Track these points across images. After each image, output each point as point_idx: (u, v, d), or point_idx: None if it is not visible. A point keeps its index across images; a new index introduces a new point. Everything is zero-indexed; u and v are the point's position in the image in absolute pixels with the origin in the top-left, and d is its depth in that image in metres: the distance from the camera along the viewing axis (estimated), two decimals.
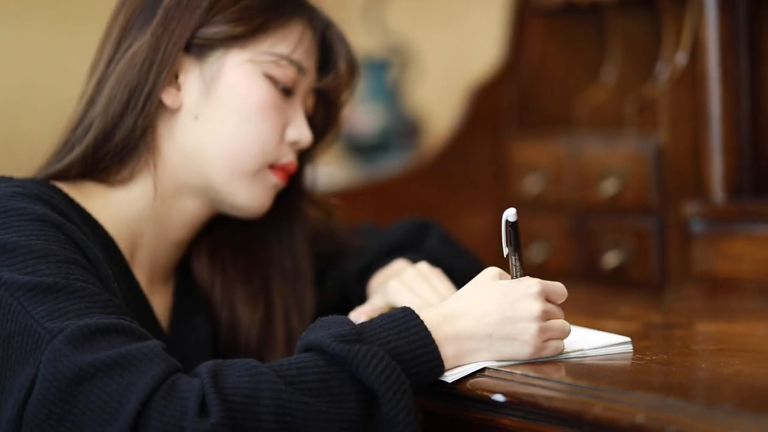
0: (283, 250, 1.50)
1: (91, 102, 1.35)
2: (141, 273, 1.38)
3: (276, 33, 1.38)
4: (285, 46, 1.38)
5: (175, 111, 1.36)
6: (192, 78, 1.36)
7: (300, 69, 1.40)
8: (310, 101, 1.45)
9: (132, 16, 1.36)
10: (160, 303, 1.43)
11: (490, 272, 1.26)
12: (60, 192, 1.31)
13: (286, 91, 1.39)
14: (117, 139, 1.34)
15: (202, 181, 1.38)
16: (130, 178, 1.36)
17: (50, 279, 1.17)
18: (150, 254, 1.39)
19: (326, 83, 1.44)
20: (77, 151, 1.34)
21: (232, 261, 1.48)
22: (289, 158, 1.41)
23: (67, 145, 1.36)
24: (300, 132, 1.41)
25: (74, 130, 1.36)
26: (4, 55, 2.92)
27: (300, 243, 1.50)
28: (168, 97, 1.35)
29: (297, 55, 1.39)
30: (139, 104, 1.33)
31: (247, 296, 1.48)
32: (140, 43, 1.34)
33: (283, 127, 1.40)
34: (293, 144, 1.41)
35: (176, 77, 1.36)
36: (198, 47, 1.36)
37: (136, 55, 1.33)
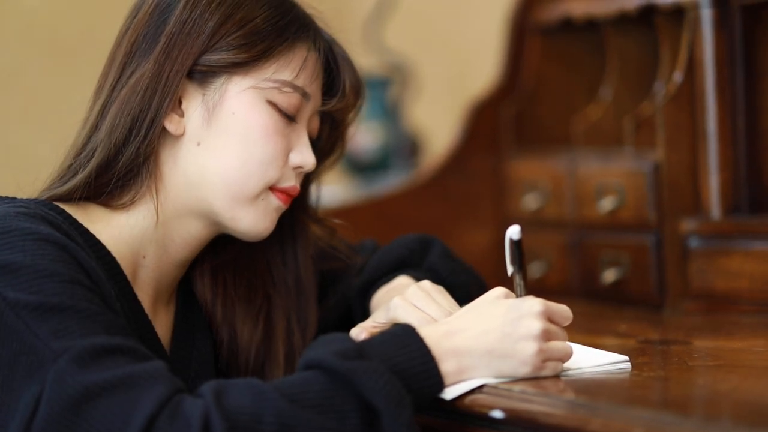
0: (286, 269, 1.50)
1: (95, 128, 1.36)
2: (143, 293, 1.39)
3: (279, 59, 1.37)
4: (288, 72, 1.38)
5: (178, 137, 1.36)
6: (195, 104, 1.36)
7: (304, 94, 1.39)
8: (315, 123, 1.45)
9: (135, 42, 1.36)
10: (162, 322, 1.44)
11: (497, 291, 1.27)
12: (63, 213, 1.31)
13: (290, 117, 1.39)
14: (120, 165, 1.34)
15: (204, 206, 1.38)
16: (133, 202, 1.36)
17: (55, 299, 1.18)
18: (152, 274, 1.40)
19: (331, 106, 1.44)
20: (80, 176, 1.34)
21: (234, 280, 1.49)
22: (291, 182, 1.40)
23: (70, 170, 1.36)
24: (303, 157, 1.40)
25: (77, 155, 1.36)
26: (7, 77, 2.93)
27: (304, 261, 1.51)
28: (171, 124, 1.36)
29: (301, 81, 1.38)
30: (142, 132, 1.33)
31: (248, 314, 1.48)
32: (143, 69, 1.34)
33: (287, 151, 1.39)
34: (297, 168, 1.41)
35: (179, 103, 1.36)
36: (201, 74, 1.36)
37: (139, 82, 1.34)
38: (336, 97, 1.45)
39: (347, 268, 1.59)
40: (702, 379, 1.29)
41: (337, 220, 1.59)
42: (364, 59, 3.00)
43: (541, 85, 2.18)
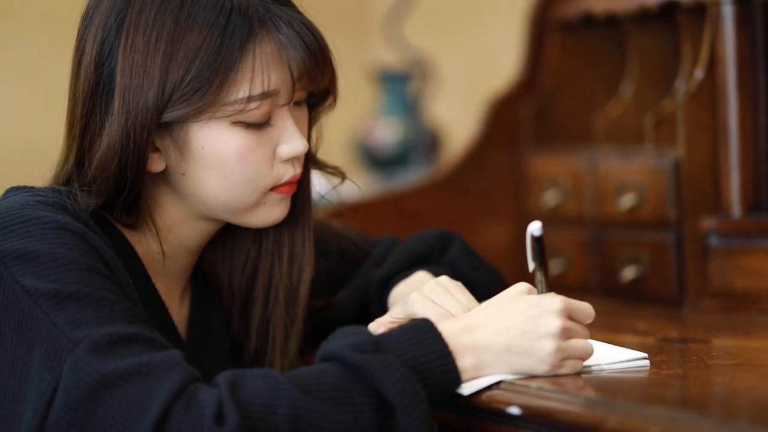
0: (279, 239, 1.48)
1: (81, 165, 1.33)
2: (159, 282, 1.39)
3: (234, 80, 1.30)
4: (244, 89, 1.30)
5: (162, 171, 1.34)
6: (167, 145, 1.33)
7: (267, 94, 1.31)
8: (298, 96, 1.37)
9: (90, 91, 1.31)
10: (178, 311, 1.44)
11: (519, 287, 1.26)
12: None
13: (262, 124, 1.33)
14: (118, 204, 1.32)
15: (210, 214, 1.38)
16: (137, 224, 1.36)
17: (73, 287, 1.18)
18: (167, 264, 1.40)
19: (303, 84, 1.35)
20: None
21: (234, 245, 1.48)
22: (289, 175, 1.37)
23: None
24: (292, 147, 1.35)
25: (67, 182, 1.34)
26: (29, 69, 2.94)
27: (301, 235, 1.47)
28: (152, 163, 1.33)
29: (259, 86, 1.30)
30: (129, 181, 1.30)
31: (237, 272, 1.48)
32: (110, 132, 1.29)
33: (272, 154, 1.35)
34: (289, 159, 1.37)
35: (153, 143, 1.32)
36: (164, 124, 1.31)
37: (110, 145, 1.29)
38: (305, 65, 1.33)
39: (365, 262, 1.59)
40: (720, 377, 1.28)
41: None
42: (384, 54, 3.02)
43: (561, 82, 2.17)
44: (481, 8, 3.08)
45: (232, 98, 1.30)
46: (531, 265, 1.25)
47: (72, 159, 1.33)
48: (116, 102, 1.29)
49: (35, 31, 2.96)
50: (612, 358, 1.28)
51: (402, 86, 2.96)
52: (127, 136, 1.29)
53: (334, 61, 1.37)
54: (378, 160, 2.96)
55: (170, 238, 1.39)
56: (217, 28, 1.29)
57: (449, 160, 2.33)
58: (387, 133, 2.95)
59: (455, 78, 3.07)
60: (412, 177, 2.56)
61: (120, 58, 1.29)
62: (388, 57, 3.01)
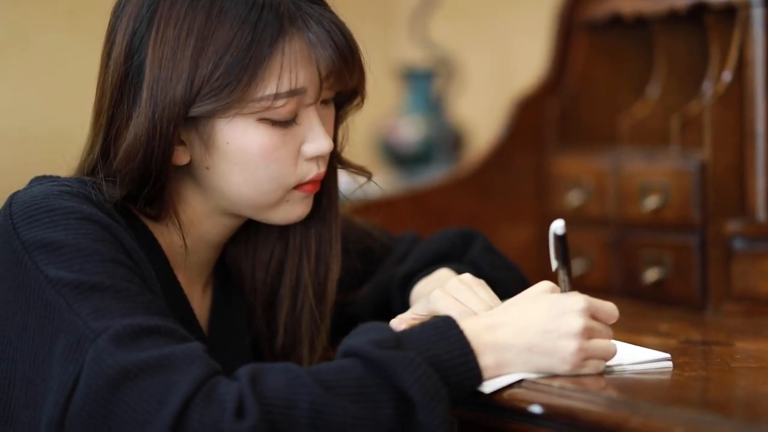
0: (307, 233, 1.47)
1: (106, 155, 1.33)
2: (181, 274, 1.40)
3: (263, 77, 1.29)
4: (271, 86, 1.30)
5: (187, 164, 1.34)
6: (192, 138, 1.33)
7: (295, 92, 1.31)
8: (325, 95, 1.36)
9: (119, 81, 1.31)
10: (200, 304, 1.44)
11: (543, 286, 1.25)
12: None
13: (288, 122, 1.33)
14: (142, 196, 1.32)
15: (232, 210, 1.38)
16: (161, 216, 1.36)
17: (96, 278, 1.18)
18: (190, 257, 1.41)
19: (330, 83, 1.34)
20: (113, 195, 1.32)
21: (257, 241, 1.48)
22: (313, 173, 1.36)
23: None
24: (317, 146, 1.35)
25: (92, 172, 1.34)
26: (55, 59, 2.95)
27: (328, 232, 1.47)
28: (177, 156, 1.32)
29: (285, 86, 1.30)
30: (153, 174, 1.30)
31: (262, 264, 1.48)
32: (137, 124, 1.29)
33: (296, 152, 1.34)
34: (314, 158, 1.36)
35: (179, 137, 1.32)
36: (191, 118, 1.31)
37: (137, 137, 1.29)
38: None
39: (387, 259, 1.58)
40: (744, 380, 1.27)
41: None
42: (410, 52, 3.02)
43: (587, 82, 2.17)
44: (507, 7, 3.07)
45: (260, 95, 1.30)
46: (554, 264, 1.24)
47: (98, 149, 1.34)
48: (144, 94, 1.29)
49: (63, 22, 2.97)
50: (634, 358, 1.27)
51: (426, 84, 2.96)
52: (154, 129, 1.29)
53: (363, 62, 1.36)
54: (401, 158, 2.96)
55: (192, 231, 1.39)
56: (249, 24, 1.28)
57: (473, 158, 2.33)
58: (410, 131, 2.95)
59: (480, 77, 3.06)
60: (434, 175, 2.56)
61: (150, 50, 1.29)
62: (413, 55, 3.01)
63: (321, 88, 1.33)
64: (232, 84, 1.28)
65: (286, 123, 1.33)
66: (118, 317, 1.16)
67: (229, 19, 1.28)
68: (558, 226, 1.22)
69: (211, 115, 1.30)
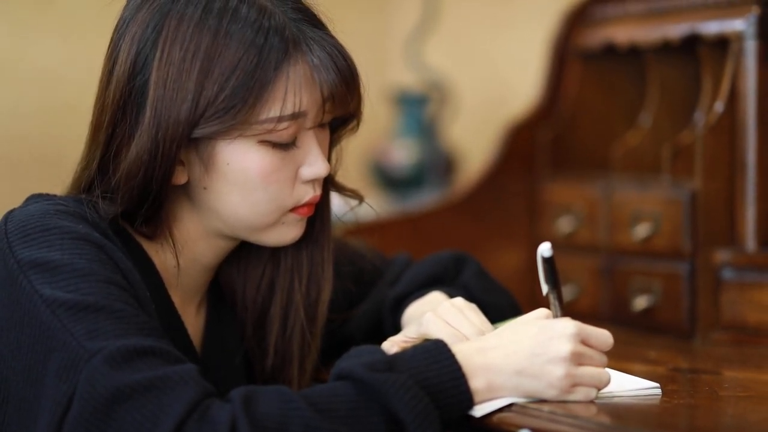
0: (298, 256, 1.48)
1: (104, 171, 1.33)
2: (175, 296, 1.40)
3: (267, 100, 1.29)
4: (275, 109, 1.30)
5: (184, 184, 1.35)
6: (192, 158, 1.33)
7: (297, 116, 1.31)
8: (325, 118, 1.37)
9: (121, 100, 1.31)
10: (194, 325, 1.45)
11: (537, 313, 1.26)
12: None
13: (288, 144, 1.33)
14: (139, 215, 1.32)
15: (226, 232, 1.38)
16: (155, 235, 1.36)
17: (91, 298, 1.19)
18: (183, 278, 1.41)
19: (331, 107, 1.35)
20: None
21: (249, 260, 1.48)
22: (309, 196, 1.37)
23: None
24: (314, 170, 1.35)
25: (88, 190, 1.34)
26: (49, 74, 2.95)
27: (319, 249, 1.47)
28: (176, 176, 1.33)
29: (289, 109, 1.30)
30: (153, 192, 1.31)
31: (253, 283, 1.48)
32: (139, 142, 1.29)
33: (294, 175, 1.35)
34: (311, 181, 1.37)
35: (179, 156, 1.32)
36: (194, 139, 1.31)
37: (138, 156, 1.29)
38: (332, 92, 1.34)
39: (380, 281, 1.59)
40: (731, 408, 1.28)
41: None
42: (403, 76, 3.03)
43: (579, 110, 2.18)
44: (501, 33, 3.09)
45: (263, 117, 1.30)
46: (544, 288, 1.24)
47: (95, 164, 1.34)
48: (147, 113, 1.29)
49: (60, 30, 2.97)
50: (624, 386, 1.27)
51: (419, 108, 2.97)
52: (156, 148, 1.29)
53: (362, 86, 1.37)
54: (393, 181, 2.96)
55: (186, 252, 1.39)
56: (255, 47, 1.29)
57: (465, 183, 2.34)
58: (403, 154, 2.96)
59: (473, 102, 3.08)
60: (426, 199, 2.56)
61: (155, 70, 1.29)
62: (407, 78, 3.02)
63: (323, 111, 1.34)
64: (237, 106, 1.28)
65: (286, 145, 1.33)
66: (113, 338, 1.16)
67: (235, 42, 1.29)
68: (545, 249, 1.22)
69: (214, 136, 1.31)
